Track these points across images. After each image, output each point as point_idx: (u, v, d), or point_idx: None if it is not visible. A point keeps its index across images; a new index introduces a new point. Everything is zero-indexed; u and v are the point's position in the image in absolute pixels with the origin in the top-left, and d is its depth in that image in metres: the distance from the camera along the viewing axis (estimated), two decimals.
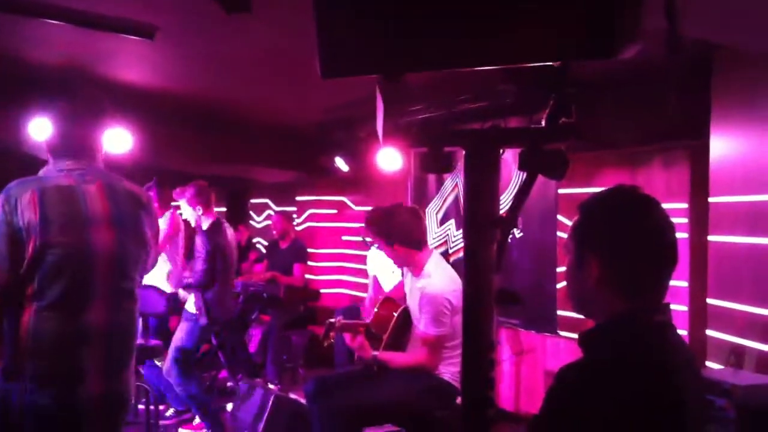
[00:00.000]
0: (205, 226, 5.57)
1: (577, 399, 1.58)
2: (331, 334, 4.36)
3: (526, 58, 1.10)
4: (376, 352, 4.13)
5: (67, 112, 2.72)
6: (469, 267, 1.28)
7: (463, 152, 1.35)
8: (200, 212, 5.56)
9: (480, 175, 1.28)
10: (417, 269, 4.17)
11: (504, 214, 1.25)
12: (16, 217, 2.44)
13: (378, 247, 4.31)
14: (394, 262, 4.34)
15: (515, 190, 1.32)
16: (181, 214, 6.24)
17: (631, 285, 1.68)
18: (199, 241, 5.52)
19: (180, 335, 5.47)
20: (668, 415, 1.58)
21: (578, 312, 1.81)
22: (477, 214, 1.27)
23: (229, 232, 5.69)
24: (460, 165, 1.37)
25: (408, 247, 4.12)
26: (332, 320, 4.34)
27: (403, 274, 5.32)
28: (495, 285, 1.28)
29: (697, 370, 1.81)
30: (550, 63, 1.13)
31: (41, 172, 2.66)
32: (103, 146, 2.79)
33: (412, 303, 4.17)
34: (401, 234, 4.11)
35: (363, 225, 7.79)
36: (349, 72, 1.25)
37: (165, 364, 5.54)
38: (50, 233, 2.45)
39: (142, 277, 2.80)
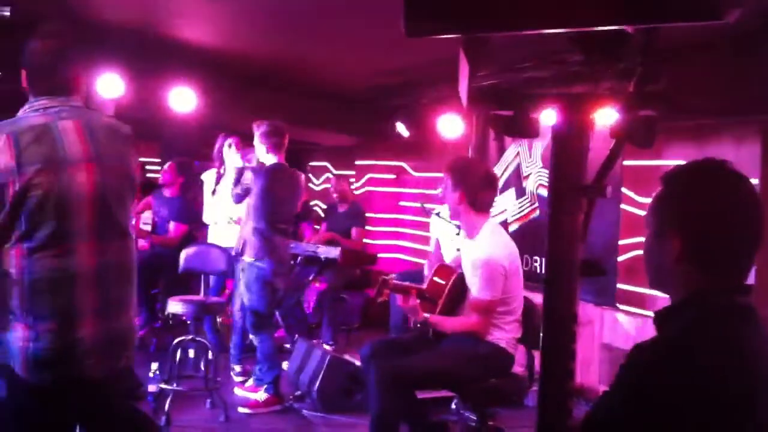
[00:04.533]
0: (267, 163, 5.52)
1: (650, 379, 1.54)
2: (385, 291, 4.35)
3: (626, 21, 1.06)
4: (426, 315, 4.13)
5: (37, 48, 2.64)
6: (553, 236, 1.25)
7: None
8: (264, 150, 5.51)
9: (569, 141, 1.24)
10: (471, 230, 4.15)
11: (591, 182, 1.22)
12: None
13: (444, 185, 4.28)
14: (450, 209, 4.31)
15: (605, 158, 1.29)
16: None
17: (713, 263, 1.62)
18: (250, 175, 5.51)
19: (249, 297, 5.47)
20: (743, 401, 1.54)
21: (654, 287, 1.76)
22: (564, 181, 1.24)
23: (292, 180, 5.65)
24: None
25: (467, 200, 4.09)
26: (386, 277, 4.34)
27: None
28: (580, 255, 1.25)
29: None
30: (648, 26, 1.09)
31: (19, 113, 2.58)
32: (84, 84, 2.72)
33: (466, 267, 4.16)
34: (468, 186, 4.10)
35: (422, 191, 7.80)
36: (433, 31, 1.23)
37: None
38: (28, 175, 2.41)
39: (131, 213, 2.75)
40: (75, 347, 2.48)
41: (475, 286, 4.02)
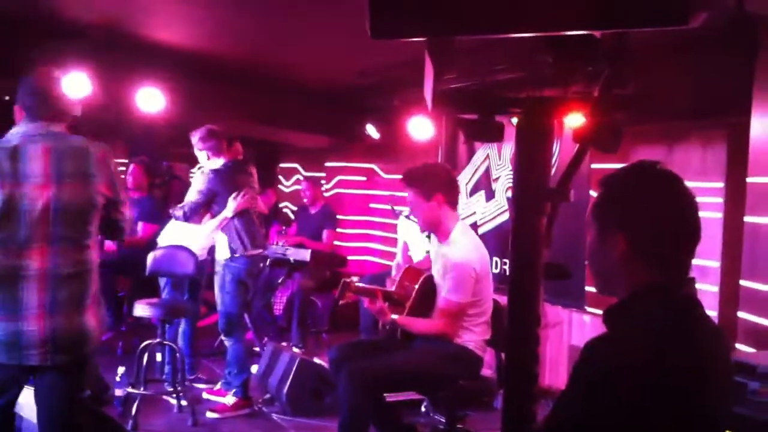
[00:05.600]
0: (215, 167, 5.47)
1: (603, 374, 1.58)
2: (348, 294, 4.32)
3: (590, 25, 1.06)
4: (395, 316, 4.12)
5: (29, 85, 3.12)
6: (517, 239, 1.25)
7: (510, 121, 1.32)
8: (207, 157, 5.48)
9: (533, 145, 1.24)
10: (443, 235, 4.15)
11: (555, 186, 1.22)
12: None
13: (410, 202, 4.23)
14: (422, 222, 4.26)
15: (557, 162, 1.30)
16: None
17: (655, 259, 1.69)
18: (201, 177, 5.45)
19: (223, 299, 5.43)
20: (693, 388, 1.59)
21: (601, 289, 1.83)
22: (528, 185, 1.24)
23: (246, 176, 5.60)
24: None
25: (447, 201, 4.08)
26: (347, 280, 4.32)
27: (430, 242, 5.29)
28: (543, 259, 1.25)
29: (724, 345, 1.81)
30: (613, 31, 1.09)
31: (9, 133, 3.06)
32: (68, 114, 3.17)
33: (437, 269, 4.16)
34: (443, 186, 4.09)
35: (392, 193, 7.80)
36: (398, 34, 1.22)
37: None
38: None
39: (95, 227, 3.09)
40: (20, 338, 2.88)
41: (445, 289, 4.02)
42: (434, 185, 4.09)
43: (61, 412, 3.12)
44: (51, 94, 3.11)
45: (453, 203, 4.17)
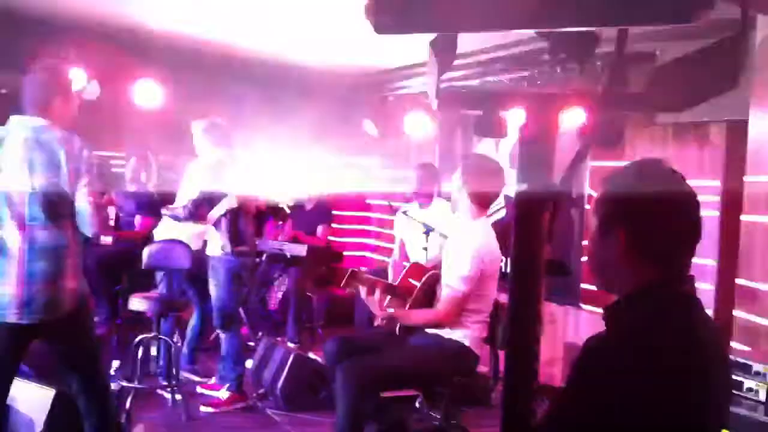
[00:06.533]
0: (213, 161, 5.48)
1: (601, 374, 1.58)
2: (354, 283, 4.30)
3: (595, 22, 1.06)
4: (390, 310, 4.12)
5: (25, 81, 3.49)
6: (519, 236, 1.24)
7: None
8: (208, 147, 5.47)
9: (537, 141, 1.24)
10: (465, 219, 4.15)
11: (558, 183, 1.22)
12: None
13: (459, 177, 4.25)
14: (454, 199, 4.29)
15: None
16: None
17: (656, 256, 1.69)
18: (198, 173, 5.45)
19: (218, 293, 5.43)
20: (690, 388, 1.59)
21: (601, 286, 1.83)
22: (531, 182, 1.23)
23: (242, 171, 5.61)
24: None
25: (467, 190, 4.09)
26: (355, 269, 4.32)
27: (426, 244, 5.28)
28: (545, 255, 1.25)
29: (722, 343, 1.82)
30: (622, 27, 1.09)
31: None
32: (57, 108, 3.48)
33: (445, 255, 4.17)
34: (466, 173, 4.11)
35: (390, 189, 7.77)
36: (401, 29, 1.22)
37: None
38: None
39: (69, 210, 3.44)
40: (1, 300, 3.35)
41: (450, 275, 4.01)
42: (464, 169, 4.14)
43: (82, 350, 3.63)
44: (36, 89, 3.47)
45: (474, 196, 4.12)
